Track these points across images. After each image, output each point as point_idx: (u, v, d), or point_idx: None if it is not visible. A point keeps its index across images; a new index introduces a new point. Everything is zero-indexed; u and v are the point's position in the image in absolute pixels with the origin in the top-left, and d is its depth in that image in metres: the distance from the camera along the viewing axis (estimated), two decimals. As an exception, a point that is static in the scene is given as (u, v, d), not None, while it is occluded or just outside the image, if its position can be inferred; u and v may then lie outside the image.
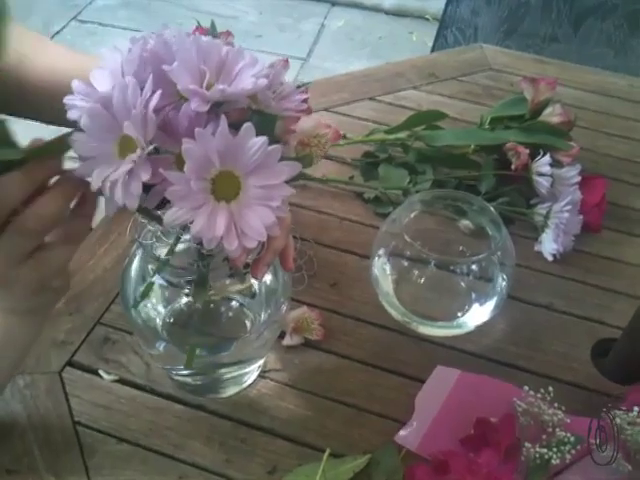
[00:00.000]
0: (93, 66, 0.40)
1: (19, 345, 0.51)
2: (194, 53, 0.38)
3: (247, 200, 0.38)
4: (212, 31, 0.47)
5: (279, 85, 0.43)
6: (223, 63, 0.39)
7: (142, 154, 0.36)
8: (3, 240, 0.39)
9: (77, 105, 0.39)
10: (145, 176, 0.36)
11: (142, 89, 0.37)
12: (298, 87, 0.44)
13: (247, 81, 0.38)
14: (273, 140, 0.37)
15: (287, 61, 0.45)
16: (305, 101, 0.44)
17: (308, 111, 0.46)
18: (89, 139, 0.37)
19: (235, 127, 0.37)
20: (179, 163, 0.37)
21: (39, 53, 0.65)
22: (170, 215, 0.37)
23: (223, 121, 0.36)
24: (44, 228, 0.40)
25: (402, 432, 0.59)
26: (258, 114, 0.41)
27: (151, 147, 0.36)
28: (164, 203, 0.38)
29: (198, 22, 0.58)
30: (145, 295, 0.54)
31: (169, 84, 0.38)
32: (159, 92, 0.37)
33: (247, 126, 0.37)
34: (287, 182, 0.39)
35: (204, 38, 0.39)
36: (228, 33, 0.57)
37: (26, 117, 0.58)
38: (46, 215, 0.39)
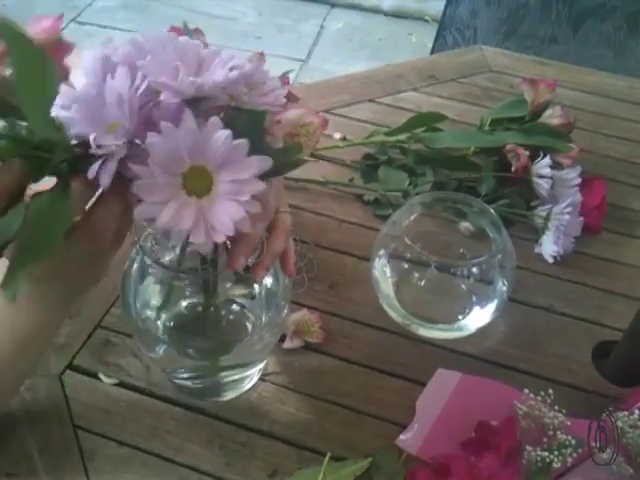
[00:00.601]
0: None
1: (48, 336, 0.51)
2: (170, 51, 0.38)
3: (219, 195, 0.38)
4: (186, 31, 0.47)
5: (262, 81, 0.43)
6: (201, 63, 0.39)
7: (122, 132, 0.36)
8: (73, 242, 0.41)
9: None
10: (119, 154, 0.36)
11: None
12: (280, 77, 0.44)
13: (218, 73, 0.38)
14: (253, 134, 0.37)
15: (262, 54, 0.45)
16: (288, 95, 0.44)
17: (294, 100, 0.45)
18: (80, 117, 0.37)
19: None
20: None
21: None
22: (139, 210, 0.37)
23: (188, 115, 0.36)
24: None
25: (403, 435, 0.59)
26: (237, 110, 0.40)
27: (123, 130, 0.36)
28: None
29: (184, 23, 0.57)
30: (167, 301, 0.54)
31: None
32: (146, 83, 0.37)
33: (213, 120, 0.37)
34: (266, 176, 0.38)
35: (181, 38, 0.39)
36: (198, 30, 0.56)
37: None
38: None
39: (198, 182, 0.38)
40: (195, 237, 0.37)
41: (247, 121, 0.38)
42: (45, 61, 0.37)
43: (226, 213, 0.38)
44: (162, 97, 0.37)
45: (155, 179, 0.37)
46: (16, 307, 0.47)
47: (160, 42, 0.39)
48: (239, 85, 0.40)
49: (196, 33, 0.50)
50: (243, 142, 0.37)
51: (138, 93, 0.37)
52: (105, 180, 0.37)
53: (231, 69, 0.39)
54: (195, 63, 0.39)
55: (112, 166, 0.37)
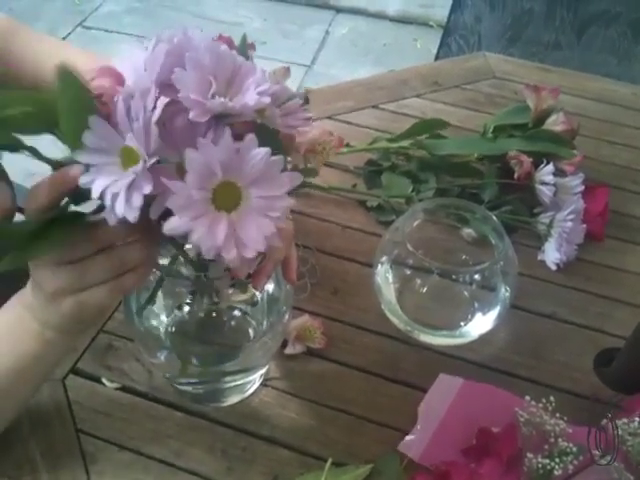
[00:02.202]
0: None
1: (50, 362, 0.52)
2: (207, 60, 0.38)
3: (247, 210, 0.38)
4: (241, 46, 0.47)
5: (283, 100, 0.43)
6: (235, 74, 0.39)
7: (144, 166, 0.36)
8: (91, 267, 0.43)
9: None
10: (147, 189, 0.36)
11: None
12: (301, 103, 0.44)
13: (251, 97, 0.39)
14: (276, 152, 0.38)
15: (288, 69, 0.45)
16: (308, 118, 0.45)
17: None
18: (90, 149, 0.37)
19: (239, 139, 0.37)
20: (180, 172, 0.38)
21: (56, 58, 0.66)
22: (170, 224, 0.37)
23: (227, 132, 0.37)
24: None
25: (405, 441, 0.59)
26: (262, 128, 0.41)
27: (154, 160, 0.36)
28: (167, 214, 0.38)
29: (243, 36, 0.56)
30: (150, 301, 0.54)
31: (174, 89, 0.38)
32: (162, 103, 0.37)
33: (250, 137, 0.37)
34: (288, 193, 0.39)
35: (222, 47, 0.39)
36: (252, 45, 0.56)
37: None
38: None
39: (227, 197, 0.38)
40: (226, 253, 0.38)
41: (268, 139, 0.38)
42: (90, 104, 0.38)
43: (257, 229, 0.38)
44: (191, 115, 0.37)
45: (191, 195, 0.37)
46: (16, 336, 0.48)
47: (199, 50, 0.39)
48: (272, 107, 0.41)
49: (249, 48, 0.50)
50: (279, 159, 0.37)
51: (154, 118, 0.37)
52: (132, 214, 0.37)
53: (263, 94, 0.39)
54: (229, 74, 0.39)
55: (138, 197, 0.37)
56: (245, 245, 0.38)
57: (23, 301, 0.48)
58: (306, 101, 0.44)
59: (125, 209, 0.36)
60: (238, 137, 0.37)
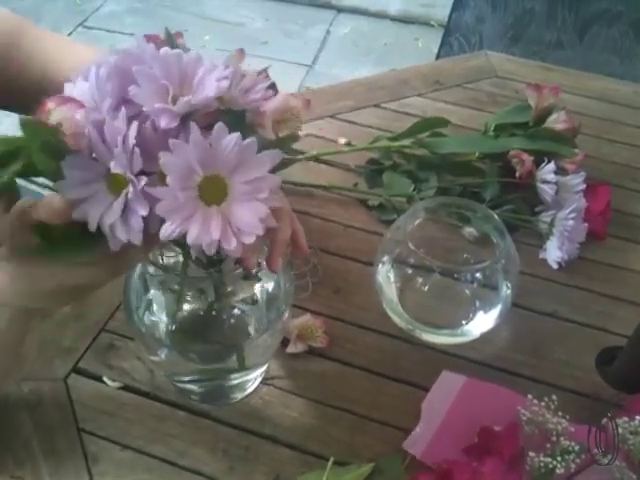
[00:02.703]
0: None
1: (8, 342, 0.51)
2: (156, 69, 0.38)
3: (236, 198, 0.38)
4: (168, 37, 0.47)
5: (240, 80, 0.43)
6: (184, 73, 0.39)
7: (135, 190, 0.36)
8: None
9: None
10: (143, 211, 0.37)
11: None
12: (260, 75, 0.44)
13: (210, 87, 0.39)
14: (247, 134, 0.38)
15: (242, 51, 0.45)
16: (271, 86, 0.45)
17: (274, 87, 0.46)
18: (73, 184, 0.37)
19: (208, 130, 0.37)
20: (161, 178, 0.38)
21: (64, 55, 0.66)
22: (165, 231, 0.37)
23: (194, 129, 0.37)
24: None
25: (409, 438, 0.59)
26: (227, 113, 0.41)
27: (144, 181, 0.36)
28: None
29: (166, 30, 0.55)
30: (179, 307, 0.55)
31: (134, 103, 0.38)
32: (135, 125, 0.37)
33: (218, 126, 0.37)
34: (273, 170, 0.39)
35: (162, 50, 0.39)
36: (179, 35, 0.57)
37: None
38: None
39: (214, 190, 0.38)
40: (227, 244, 0.38)
41: (228, 122, 0.38)
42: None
43: (250, 213, 0.38)
44: (163, 123, 0.37)
45: (177, 197, 0.37)
46: None
47: (144, 60, 0.39)
48: (232, 91, 0.41)
49: (177, 37, 0.50)
50: (252, 141, 0.37)
51: (130, 141, 0.37)
52: (136, 237, 0.37)
53: (220, 80, 0.39)
54: (178, 75, 0.39)
55: (137, 220, 0.37)
56: (243, 232, 0.38)
57: None
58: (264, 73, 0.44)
59: (127, 234, 0.37)
60: (208, 128, 0.37)
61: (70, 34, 2.64)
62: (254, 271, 0.53)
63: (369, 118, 0.99)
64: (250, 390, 0.64)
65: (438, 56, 1.62)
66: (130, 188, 0.36)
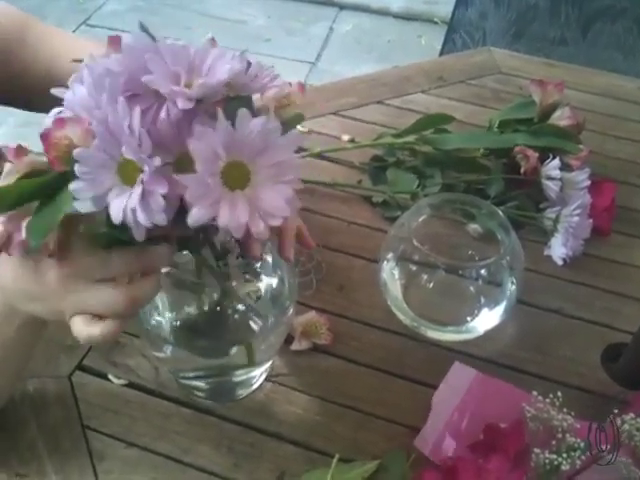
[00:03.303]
0: None
1: (19, 355, 0.52)
2: (167, 57, 0.39)
3: (261, 182, 0.39)
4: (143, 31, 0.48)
5: (247, 67, 0.43)
6: (192, 62, 0.40)
7: (151, 170, 0.36)
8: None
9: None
10: (163, 188, 0.37)
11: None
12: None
13: (222, 70, 0.39)
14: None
15: (213, 40, 0.45)
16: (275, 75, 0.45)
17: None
18: (88, 183, 0.37)
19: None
20: (180, 169, 0.38)
21: (70, 51, 0.67)
22: (193, 217, 0.37)
23: (220, 114, 0.37)
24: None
25: (420, 436, 0.59)
26: (237, 99, 0.41)
27: (158, 160, 0.37)
28: (180, 214, 0.39)
29: (140, 23, 0.54)
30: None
31: (143, 93, 0.39)
32: (138, 109, 0.37)
33: (242, 112, 0.37)
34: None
35: (168, 42, 0.40)
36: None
37: None
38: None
39: (237, 176, 0.38)
40: (255, 227, 0.38)
41: (236, 107, 0.38)
42: None
43: (277, 196, 0.39)
44: (179, 105, 0.37)
45: (206, 182, 0.37)
46: None
47: (154, 51, 0.39)
48: (243, 76, 0.41)
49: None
50: (277, 125, 0.38)
51: (135, 123, 0.37)
52: (160, 218, 0.37)
53: (230, 63, 0.39)
54: (187, 64, 0.39)
55: (157, 200, 0.37)
56: (271, 214, 0.39)
57: None
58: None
59: (150, 217, 0.37)
60: (213, 117, 0.38)
61: (73, 32, 2.64)
62: (257, 265, 0.53)
63: (372, 115, 0.99)
64: (255, 387, 0.64)
65: (441, 53, 1.62)
66: (145, 168, 0.36)
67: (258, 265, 0.56)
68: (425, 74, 1.07)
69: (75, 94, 0.40)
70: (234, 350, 0.57)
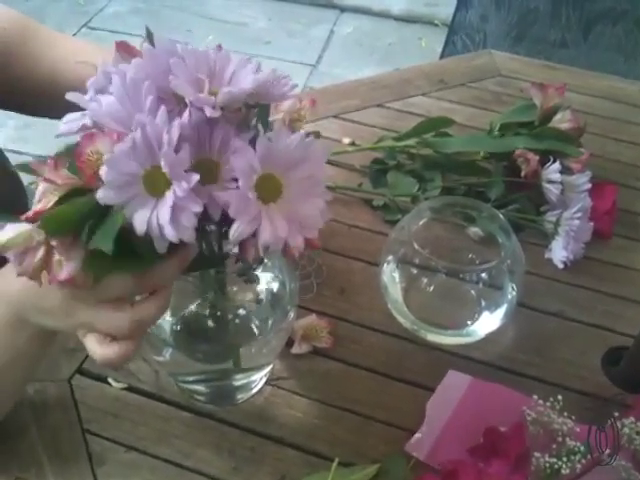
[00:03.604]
0: None
1: (28, 364, 0.52)
2: (190, 64, 0.39)
3: (294, 195, 0.39)
4: (149, 38, 0.48)
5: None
6: (213, 69, 0.40)
7: (188, 187, 0.36)
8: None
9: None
10: (196, 207, 0.37)
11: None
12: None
13: (247, 80, 0.39)
14: (269, 127, 0.39)
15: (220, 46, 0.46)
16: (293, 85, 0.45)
17: None
18: (114, 190, 0.37)
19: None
20: (206, 178, 0.38)
21: (73, 55, 0.67)
22: (236, 232, 0.37)
23: (260, 129, 0.38)
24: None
25: (412, 441, 0.58)
26: (259, 108, 0.42)
27: (196, 178, 0.36)
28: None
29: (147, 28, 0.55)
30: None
31: (165, 98, 0.39)
32: (177, 123, 0.37)
33: (279, 126, 0.39)
34: None
35: (189, 48, 0.40)
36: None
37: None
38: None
39: (269, 189, 0.39)
40: (293, 241, 0.39)
41: (262, 116, 0.38)
42: None
43: (311, 208, 0.39)
44: (207, 113, 0.37)
45: (248, 198, 0.37)
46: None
47: (178, 56, 0.39)
48: (265, 87, 0.41)
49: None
50: (312, 139, 0.38)
51: (174, 137, 0.37)
52: (189, 235, 0.37)
53: (255, 72, 0.40)
54: (207, 71, 0.39)
55: (189, 217, 0.37)
56: (306, 227, 0.39)
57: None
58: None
59: (179, 232, 0.37)
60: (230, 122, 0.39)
61: (74, 35, 2.64)
62: (254, 268, 0.54)
63: (373, 118, 0.98)
64: (255, 391, 0.63)
65: (442, 55, 1.62)
66: (183, 185, 0.36)
67: (259, 269, 0.56)
68: (426, 77, 1.07)
69: (102, 105, 0.39)
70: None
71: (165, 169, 0.36)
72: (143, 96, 0.38)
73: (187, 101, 0.38)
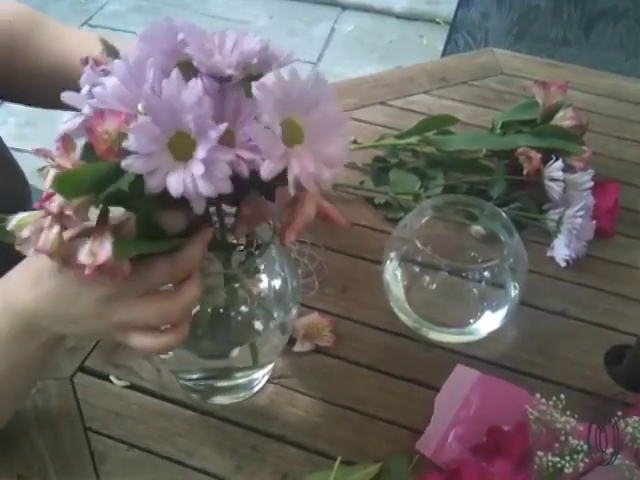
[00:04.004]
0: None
1: (34, 369, 0.52)
2: (196, 37, 0.40)
3: (315, 136, 0.40)
4: (107, 48, 0.47)
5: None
6: (214, 45, 0.41)
7: (215, 137, 0.37)
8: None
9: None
10: (228, 155, 0.37)
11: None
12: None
13: (251, 43, 0.40)
14: None
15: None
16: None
17: None
18: (140, 159, 0.37)
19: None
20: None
21: (81, 47, 0.66)
22: (266, 169, 0.38)
23: (277, 72, 0.39)
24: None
25: (422, 439, 0.58)
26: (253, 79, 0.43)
27: (223, 126, 0.37)
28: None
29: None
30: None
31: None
32: (197, 80, 0.38)
33: (291, 70, 0.39)
34: None
35: (190, 26, 0.41)
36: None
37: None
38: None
39: (292, 132, 0.40)
40: (323, 174, 0.40)
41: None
42: None
43: (334, 147, 0.41)
44: (228, 72, 0.39)
45: (274, 136, 0.39)
46: (4, 340, 0.48)
47: (186, 30, 0.40)
48: (265, 53, 0.42)
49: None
50: (324, 79, 0.40)
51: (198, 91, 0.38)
52: (225, 186, 0.38)
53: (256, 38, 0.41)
54: (212, 43, 0.41)
55: (223, 168, 0.38)
56: (331, 164, 0.41)
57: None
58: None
59: (216, 185, 0.37)
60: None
61: (75, 32, 2.64)
62: (261, 266, 0.53)
63: (375, 116, 0.98)
64: (257, 389, 0.63)
65: (443, 53, 1.62)
66: (212, 134, 0.37)
67: (262, 266, 0.56)
68: (428, 75, 1.07)
69: (106, 87, 0.39)
70: (236, 352, 0.57)
71: (190, 125, 0.37)
72: (147, 72, 0.39)
73: (202, 69, 0.39)
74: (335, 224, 0.56)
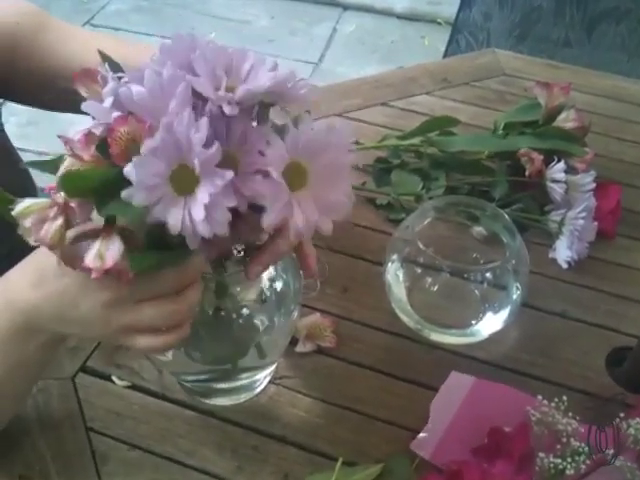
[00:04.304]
0: (140, 60, 0.40)
1: (34, 370, 0.52)
2: (208, 59, 0.39)
3: (320, 180, 0.40)
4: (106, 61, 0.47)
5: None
6: (231, 65, 0.40)
7: (222, 184, 0.36)
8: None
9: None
10: (230, 202, 0.37)
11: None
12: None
13: (265, 77, 0.39)
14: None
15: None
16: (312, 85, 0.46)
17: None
18: (141, 190, 0.37)
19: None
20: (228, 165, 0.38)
21: (87, 46, 0.67)
22: (268, 220, 0.38)
23: (289, 121, 0.38)
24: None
25: (417, 439, 0.58)
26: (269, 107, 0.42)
27: (231, 174, 0.36)
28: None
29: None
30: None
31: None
32: (205, 120, 0.37)
33: (305, 116, 0.39)
34: None
35: (209, 43, 0.40)
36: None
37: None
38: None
39: (296, 176, 0.39)
40: (324, 225, 0.40)
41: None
42: None
43: (338, 193, 0.40)
44: (226, 111, 0.38)
45: (280, 186, 0.38)
46: (4, 339, 0.48)
47: (198, 50, 0.39)
48: (282, 85, 0.41)
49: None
50: (339, 127, 0.39)
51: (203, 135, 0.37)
52: (223, 228, 0.38)
53: (272, 70, 0.40)
54: (224, 67, 0.40)
55: (223, 212, 0.37)
56: (334, 210, 0.41)
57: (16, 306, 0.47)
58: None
59: (214, 228, 0.37)
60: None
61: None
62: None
63: (376, 116, 0.98)
64: (259, 389, 0.63)
65: (445, 54, 1.62)
66: (218, 181, 0.36)
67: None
68: (429, 76, 1.07)
69: (133, 92, 0.39)
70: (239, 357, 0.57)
71: (197, 168, 0.37)
72: (175, 96, 0.38)
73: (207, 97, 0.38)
74: (305, 272, 0.53)
